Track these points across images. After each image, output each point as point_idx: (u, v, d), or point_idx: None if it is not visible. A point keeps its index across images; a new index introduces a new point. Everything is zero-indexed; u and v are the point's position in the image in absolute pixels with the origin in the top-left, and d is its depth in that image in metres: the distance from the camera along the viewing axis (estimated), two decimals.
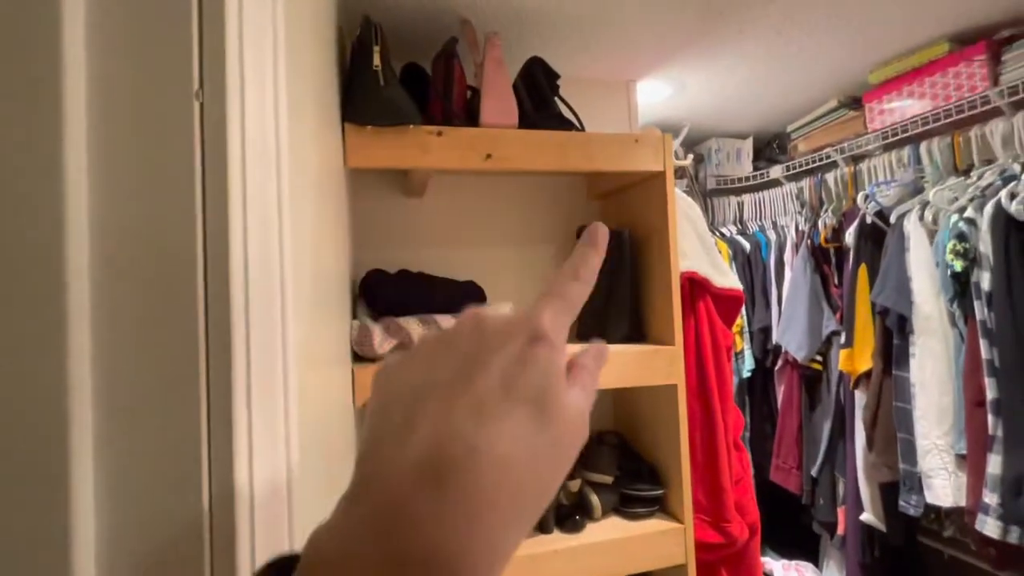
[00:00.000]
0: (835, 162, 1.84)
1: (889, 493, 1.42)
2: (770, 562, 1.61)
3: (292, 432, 0.36)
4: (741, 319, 1.93)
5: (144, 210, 0.27)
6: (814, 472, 1.70)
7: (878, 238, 1.45)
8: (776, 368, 1.89)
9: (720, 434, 1.09)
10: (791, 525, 1.80)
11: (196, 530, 0.27)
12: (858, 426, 1.51)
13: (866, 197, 1.49)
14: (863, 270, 1.45)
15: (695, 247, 1.13)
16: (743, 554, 1.15)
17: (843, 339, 1.52)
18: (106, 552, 0.26)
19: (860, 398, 1.48)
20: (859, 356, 1.43)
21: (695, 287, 1.11)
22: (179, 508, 0.27)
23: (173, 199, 0.28)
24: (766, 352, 1.93)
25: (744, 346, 1.94)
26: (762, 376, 1.97)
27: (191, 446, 0.27)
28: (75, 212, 0.26)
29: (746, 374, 1.94)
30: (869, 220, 1.46)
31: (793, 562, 1.64)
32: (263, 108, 0.34)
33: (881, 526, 1.44)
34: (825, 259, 1.74)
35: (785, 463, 1.83)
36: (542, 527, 1.04)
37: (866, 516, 1.45)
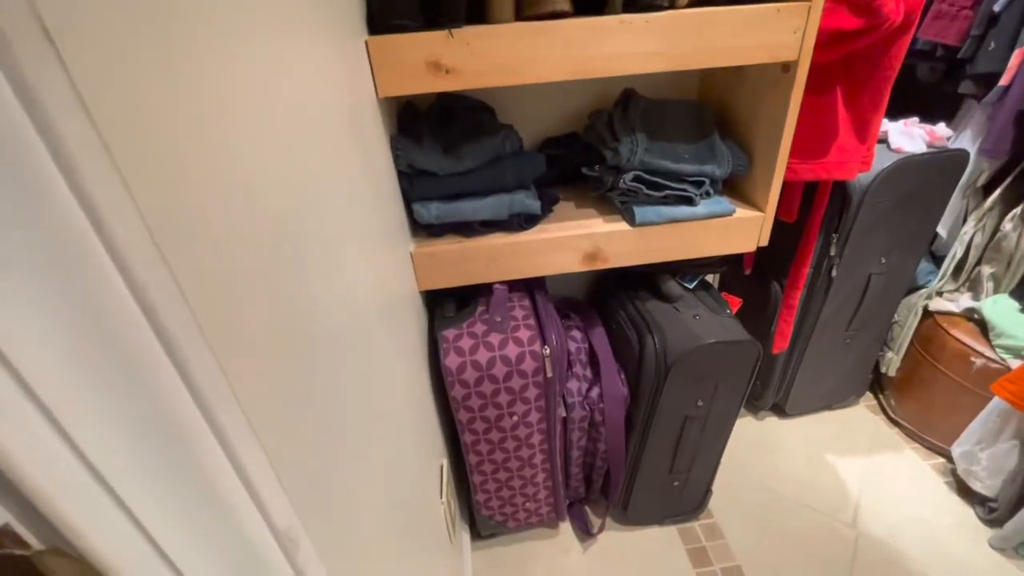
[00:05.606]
0: None
1: None
2: (885, 122, 1.32)
3: None
4: None
5: None
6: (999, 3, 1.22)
7: None
8: None
9: None
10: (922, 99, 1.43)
11: None
12: None
13: None
14: None
15: None
16: (881, 52, 0.85)
17: None
18: None
19: None
20: None
21: None
22: None
23: None
24: None
25: None
26: None
27: None
28: None
29: None
30: None
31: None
32: None
33: None
34: None
35: (953, 5, 1.34)
36: (603, 8, 0.77)
37: None
